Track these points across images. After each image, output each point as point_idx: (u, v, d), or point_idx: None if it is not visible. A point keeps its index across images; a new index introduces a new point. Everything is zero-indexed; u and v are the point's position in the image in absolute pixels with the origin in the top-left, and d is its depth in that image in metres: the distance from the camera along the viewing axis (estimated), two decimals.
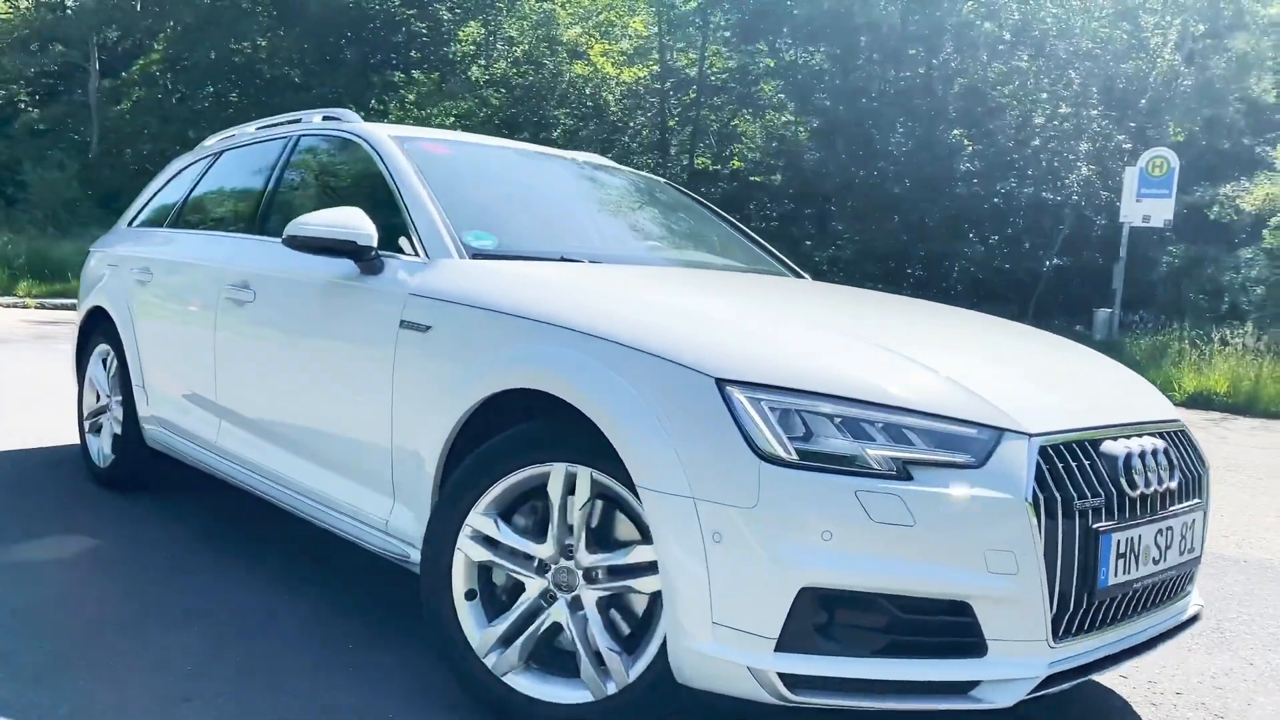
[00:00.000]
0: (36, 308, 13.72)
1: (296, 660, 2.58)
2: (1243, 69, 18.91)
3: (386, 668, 2.57)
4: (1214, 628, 3.28)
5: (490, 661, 2.21)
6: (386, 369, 2.61)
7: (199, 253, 3.78)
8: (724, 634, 1.90)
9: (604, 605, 2.16)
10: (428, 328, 2.53)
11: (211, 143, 4.46)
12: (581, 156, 4.00)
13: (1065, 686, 2.03)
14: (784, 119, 20.79)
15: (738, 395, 1.94)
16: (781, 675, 1.87)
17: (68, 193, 21.61)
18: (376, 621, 2.88)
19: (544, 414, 2.24)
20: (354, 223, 2.72)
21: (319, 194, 3.55)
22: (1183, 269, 16.84)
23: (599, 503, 2.18)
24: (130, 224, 4.69)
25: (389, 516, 2.62)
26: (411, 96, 22.64)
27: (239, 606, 2.95)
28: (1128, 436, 2.17)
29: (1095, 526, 1.99)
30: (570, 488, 2.17)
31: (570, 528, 2.18)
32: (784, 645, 1.87)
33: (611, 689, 2.10)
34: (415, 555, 2.49)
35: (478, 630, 2.25)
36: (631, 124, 22.50)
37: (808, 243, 18.17)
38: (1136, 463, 2.12)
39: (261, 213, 3.58)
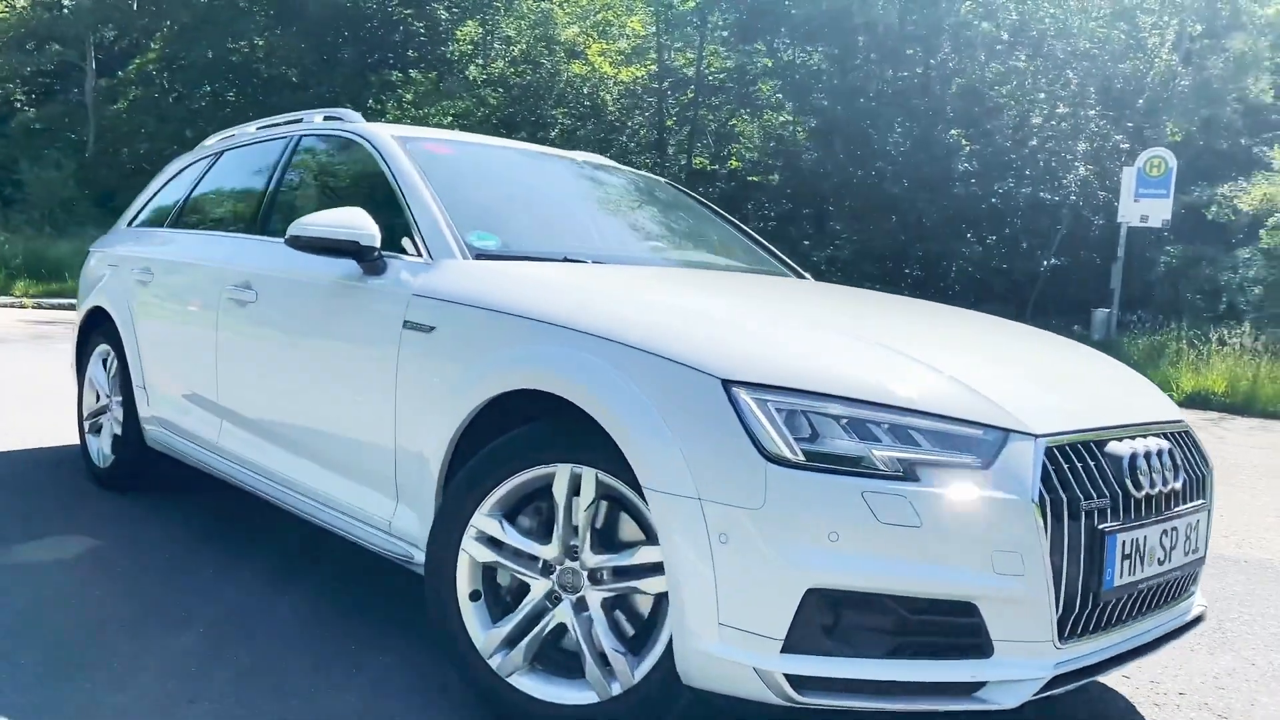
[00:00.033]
0: (34, 307, 13.70)
1: (298, 661, 2.58)
2: (1240, 69, 18.92)
3: (388, 668, 2.57)
4: (1215, 628, 3.28)
5: (495, 663, 2.21)
6: (390, 369, 2.60)
7: (200, 253, 3.77)
8: (730, 635, 1.89)
9: (609, 606, 2.16)
10: (431, 328, 2.52)
11: (212, 143, 4.45)
12: (582, 156, 4.00)
13: (1071, 687, 2.03)
14: (782, 119, 20.79)
15: (744, 396, 1.93)
16: (788, 676, 1.86)
17: (64, 192, 21.59)
18: (378, 622, 2.87)
19: (548, 415, 2.24)
20: (357, 223, 2.71)
21: (321, 194, 3.54)
22: (1180, 269, 16.87)
23: (603, 504, 2.17)
24: (130, 224, 4.68)
25: (392, 517, 2.62)
26: (409, 96, 22.62)
27: (240, 606, 2.94)
28: (1133, 437, 2.17)
29: (1101, 527, 1.99)
30: (575, 489, 2.16)
31: (575, 529, 2.18)
32: (790, 646, 1.86)
33: (616, 690, 2.10)
34: (418, 556, 2.49)
35: (482, 631, 2.24)
36: (629, 124, 22.49)
37: (805, 242, 18.17)
38: (1142, 463, 2.12)
39: (263, 213, 3.58)
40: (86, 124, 24.68)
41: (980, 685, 1.91)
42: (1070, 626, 1.97)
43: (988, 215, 18.14)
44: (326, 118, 3.66)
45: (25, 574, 3.14)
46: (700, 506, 1.91)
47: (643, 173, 4.29)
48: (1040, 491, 1.91)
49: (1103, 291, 15.40)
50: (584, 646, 2.14)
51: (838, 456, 1.89)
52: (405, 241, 2.79)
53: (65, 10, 25.29)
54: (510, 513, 2.26)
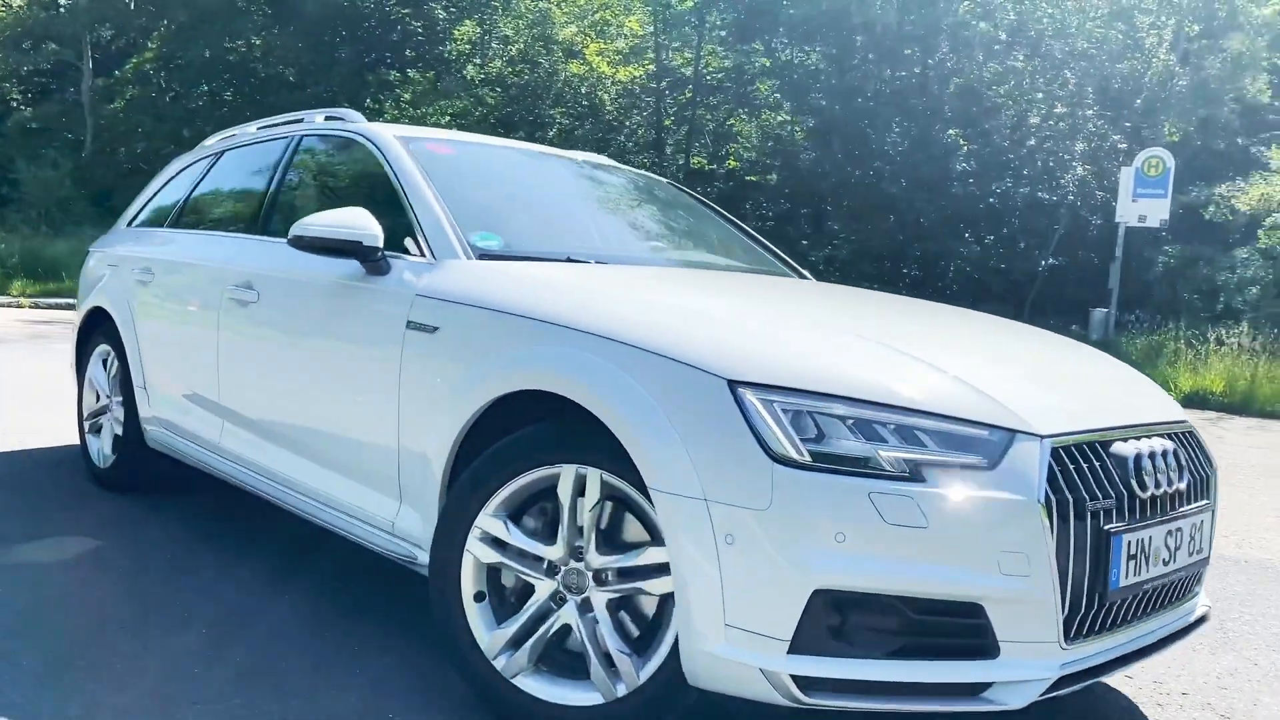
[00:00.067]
0: (31, 307, 13.68)
1: (298, 661, 2.58)
2: (1237, 69, 18.96)
3: (389, 668, 2.56)
4: (1217, 628, 3.28)
5: (500, 664, 2.21)
6: (393, 370, 2.60)
7: (201, 253, 3.77)
8: (736, 636, 1.89)
9: (614, 607, 2.15)
10: (435, 329, 2.52)
11: (212, 143, 4.45)
12: (582, 156, 3.99)
13: (1077, 688, 2.03)
14: (780, 119, 20.80)
15: (750, 397, 1.93)
16: (794, 677, 1.86)
17: (61, 191, 21.57)
18: (378, 622, 2.87)
19: (552, 416, 2.24)
20: (360, 223, 2.71)
21: (322, 194, 3.54)
22: (1178, 269, 16.89)
23: (608, 504, 2.17)
24: (130, 224, 4.67)
25: (395, 518, 2.61)
26: (407, 95, 22.61)
27: (240, 606, 2.94)
28: (1137, 438, 2.17)
29: (1107, 528, 1.99)
30: (580, 489, 2.16)
31: (580, 529, 2.17)
32: (797, 647, 1.86)
33: (622, 691, 2.10)
34: (422, 556, 2.49)
35: (487, 632, 2.24)
36: (627, 123, 22.49)
37: (803, 242, 18.17)
38: (1147, 464, 2.12)
39: (264, 213, 3.57)
40: (83, 123, 24.64)
41: (986, 686, 1.91)
42: (1076, 627, 1.97)
43: (986, 215, 18.15)
44: (328, 118, 3.65)
45: (26, 574, 3.13)
46: (706, 507, 1.91)
47: (644, 172, 4.28)
48: (1046, 492, 1.91)
49: (1101, 291, 15.42)
50: (589, 647, 2.14)
51: (844, 457, 1.89)
52: (408, 242, 2.78)
53: (62, 9, 25.25)
54: (515, 513, 2.26)
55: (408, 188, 2.91)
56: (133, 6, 25.15)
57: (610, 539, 2.18)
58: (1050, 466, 1.94)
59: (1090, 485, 1.99)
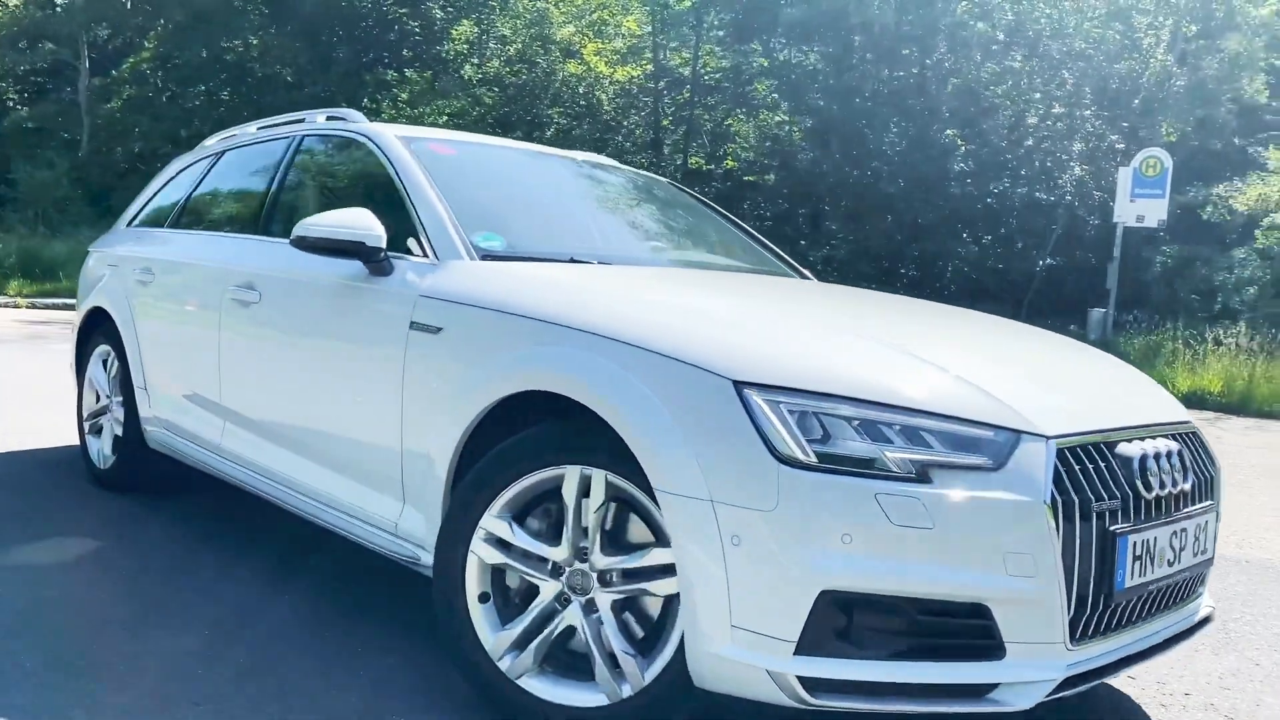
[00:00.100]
0: (28, 307, 13.66)
1: (300, 662, 2.57)
2: (1235, 69, 18.99)
3: (391, 669, 2.56)
4: (1219, 628, 3.28)
5: (504, 665, 2.20)
6: (396, 370, 2.60)
7: (202, 253, 3.76)
8: (743, 637, 1.89)
9: (618, 608, 2.15)
10: (439, 329, 2.51)
11: (212, 143, 4.44)
12: (583, 156, 3.99)
13: (1082, 689, 2.03)
14: (777, 119, 20.80)
15: (756, 398, 1.93)
16: (800, 678, 1.86)
17: (58, 191, 21.53)
18: (380, 622, 2.86)
19: (557, 417, 2.23)
20: (363, 224, 2.70)
21: (324, 194, 3.53)
22: (1176, 269, 16.92)
23: (613, 505, 2.17)
24: (130, 224, 4.66)
25: (398, 519, 2.61)
26: (404, 95, 22.59)
27: (241, 607, 2.94)
28: (1142, 438, 2.17)
29: (1112, 529, 1.99)
30: (585, 490, 2.16)
31: (584, 530, 2.17)
32: (803, 648, 1.86)
33: (627, 692, 2.10)
34: (425, 558, 2.49)
35: (491, 633, 2.24)
36: (625, 123, 22.49)
37: (802, 242, 18.18)
38: (1151, 464, 2.12)
39: (265, 213, 3.56)
40: (80, 123, 24.60)
41: (992, 687, 1.91)
42: (1082, 628, 1.97)
43: (983, 215, 18.17)
44: (329, 118, 3.65)
45: (26, 574, 3.13)
46: (712, 508, 1.90)
47: (645, 173, 4.28)
48: (1052, 493, 1.91)
49: (1098, 291, 15.44)
50: (594, 648, 2.14)
51: (850, 458, 1.88)
52: (410, 242, 2.78)
53: (58, 9, 25.22)
54: (519, 514, 2.25)
55: (410, 188, 2.91)
56: (129, 6, 25.11)
57: (615, 540, 2.18)
58: (1056, 467, 1.94)
59: (1096, 486, 1.99)
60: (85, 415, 4.41)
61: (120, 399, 4.11)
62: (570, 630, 2.19)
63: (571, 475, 2.16)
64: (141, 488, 4.11)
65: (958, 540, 1.86)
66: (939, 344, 2.46)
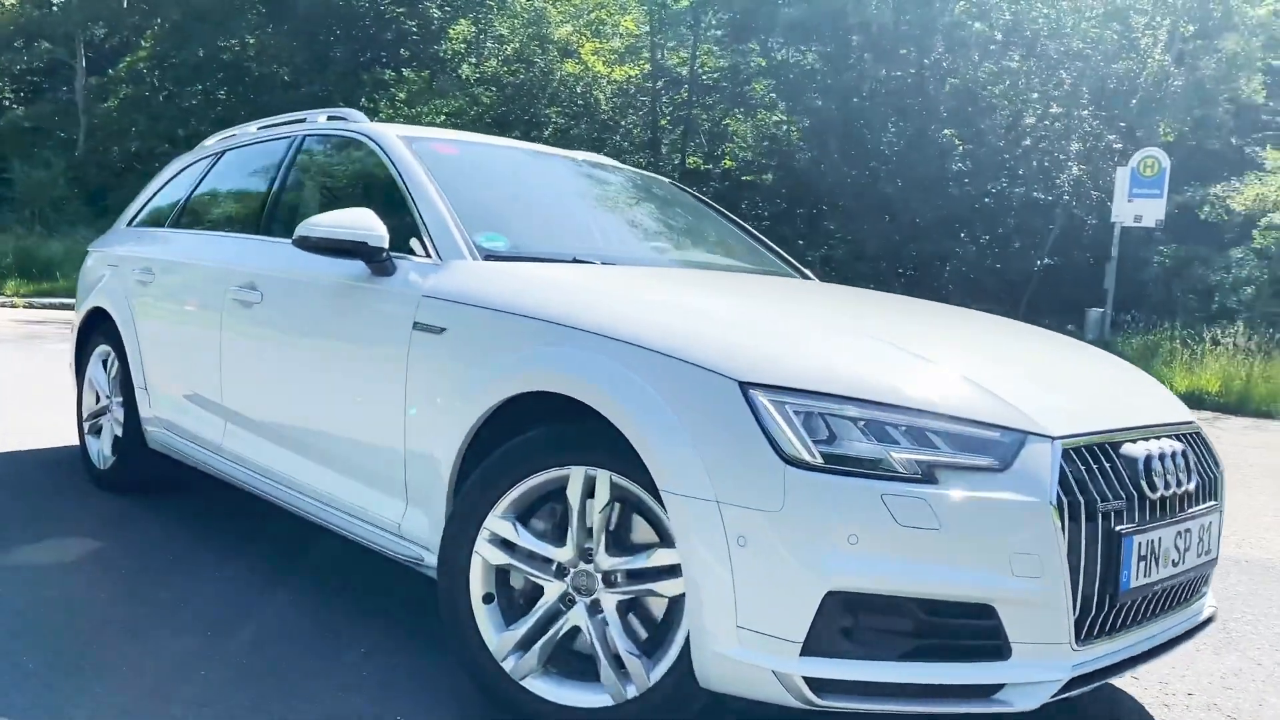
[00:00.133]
0: (25, 307, 13.63)
1: (304, 662, 2.57)
2: (1232, 69, 19.01)
3: (396, 670, 2.55)
4: (1220, 628, 3.29)
5: (509, 666, 2.20)
6: (399, 371, 2.59)
7: (203, 253, 3.75)
8: (749, 638, 1.89)
9: (623, 609, 2.15)
10: (442, 329, 2.51)
11: (212, 143, 4.43)
12: (583, 156, 3.99)
13: (1088, 689, 2.03)
14: (775, 118, 20.81)
15: (761, 398, 1.93)
16: (807, 679, 1.86)
17: (54, 191, 21.48)
18: (385, 623, 2.86)
19: (561, 417, 2.23)
20: (366, 224, 2.70)
21: (325, 194, 3.53)
22: (1173, 269, 16.95)
23: (617, 506, 2.17)
24: (129, 224, 4.65)
25: (401, 520, 2.60)
26: (402, 95, 22.57)
27: (243, 608, 2.93)
28: (1146, 438, 2.17)
29: (1118, 529, 1.99)
30: (589, 491, 2.15)
31: (589, 531, 2.17)
32: (809, 649, 1.86)
33: (632, 693, 2.09)
34: (429, 558, 2.48)
35: (495, 634, 2.23)
36: (623, 123, 22.49)
37: (799, 242, 18.18)
38: (1156, 465, 2.12)
39: (267, 213, 3.56)
40: (77, 122, 24.56)
41: (998, 687, 1.91)
42: (1087, 628, 1.97)
43: (981, 215, 18.18)
44: (330, 117, 3.64)
45: (27, 575, 3.12)
46: (718, 509, 1.90)
47: (646, 173, 4.28)
48: (1058, 494, 1.91)
49: (1096, 291, 15.45)
50: (598, 649, 2.13)
51: (856, 459, 1.88)
52: (413, 242, 2.77)
53: (55, 8, 25.15)
54: (523, 515, 2.25)
55: (412, 188, 2.90)
56: (126, 5, 25.06)
57: (619, 541, 2.17)
58: (1061, 468, 1.94)
59: (1101, 486, 2.00)
60: (85, 415, 4.40)
61: (120, 399, 4.10)
62: (575, 631, 2.19)
63: (576, 476, 2.16)
64: (141, 488, 4.10)
65: (964, 541, 1.86)
66: (943, 344, 2.47)
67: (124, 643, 2.64)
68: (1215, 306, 15.37)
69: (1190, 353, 11.88)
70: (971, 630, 1.89)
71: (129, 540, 3.52)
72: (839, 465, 1.88)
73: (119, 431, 4.08)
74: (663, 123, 22.34)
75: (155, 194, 4.58)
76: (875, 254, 18.04)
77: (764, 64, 20.86)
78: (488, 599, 2.26)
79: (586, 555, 2.17)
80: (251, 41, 24.63)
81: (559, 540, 2.20)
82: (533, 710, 2.18)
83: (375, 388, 2.68)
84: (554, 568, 2.21)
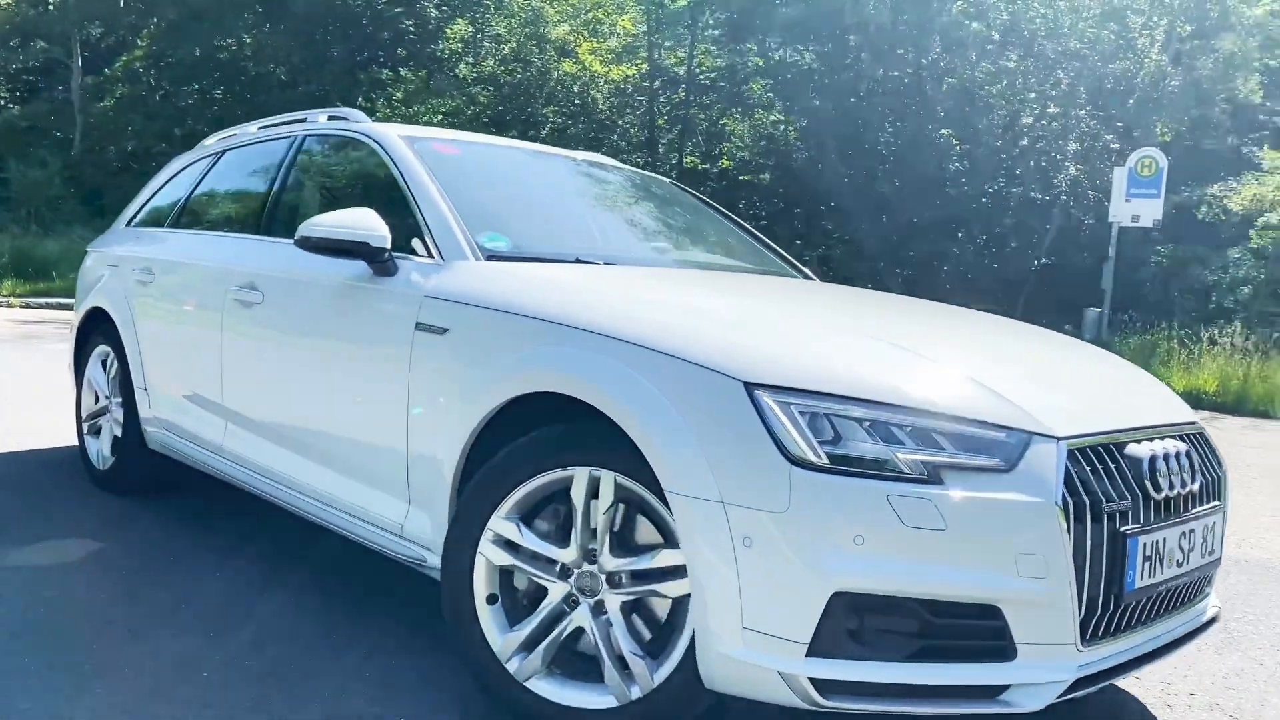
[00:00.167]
0: (21, 307, 13.59)
1: (306, 663, 2.56)
2: (1229, 69, 19.05)
3: (399, 670, 2.55)
4: (1221, 628, 3.29)
5: (513, 667, 2.20)
6: (402, 371, 2.59)
7: (203, 253, 3.74)
8: (754, 639, 1.89)
9: (627, 610, 2.15)
10: (445, 330, 2.51)
11: (211, 143, 4.42)
12: (583, 155, 3.98)
13: (1093, 690, 2.03)
14: (772, 118, 20.81)
15: (766, 399, 1.93)
16: (813, 680, 1.86)
17: (50, 190, 21.42)
18: (387, 624, 2.85)
19: (564, 418, 2.22)
20: (368, 224, 2.69)
21: (327, 194, 3.52)
22: (1171, 269, 16.98)
23: (621, 507, 2.16)
24: (129, 224, 4.64)
25: (404, 520, 2.60)
26: (399, 94, 22.55)
27: (245, 609, 2.92)
28: (1150, 439, 2.17)
29: (1122, 530, 1.99)
30: (594, 492, 2.15)
31: (593, 532, 2.17)
32: (815, 650, 1.86)
33: (636, 694, 2.09)
34: (431, 559, 2.48)
35: (499, 635, 2.23)
36: (620, 122, 22.48)
37: (797, 242, 18.19)
38: (1160, 465, 2.12)
39: (267, 213, 3.55)
40: (73, 122, 24.49)
41: (1004, 688, 1.90)
42: (1092, 629, 1.97)
43: (979, 215, 18.19)
44: (331, 117, 3.64)
45: (27, 576, 3.11)
46: (724, 510, 1.90)
47: (647, 173, 4.28)
48: (1063, 494, 1.90)
49: (1093, 291, 15.46)
50: (602, 650, 2.13)
51: (861, 459, 1.88)
52: (415, 243, 2.77)
53: (51, 7, 25.07)
54: (527, 516, 2.24)
55: (414, 189, 2.89)
56: (122, 4, 25.00)
57: (623, 541, 2.17)
58: (1066, 468, 1.94)
59: (1106, 487, 2.00)
60: (84, 416, 4.39)
61: (119, 400, 4.09)
62: (579, 632, 2.19)
63: (580, 477, 2.15)
64: (140, 488, 4.09)
65: (970, 541, 1.86)
66: (947, 344, 2.47)
67: (125, 643, 2.64)
68: (1212, 306, 15.40)
69: (1187, 352, 11.90)
70: (977, 631, 1.89)
71: (129, 540, 3.52)
72: (844, 466, 1.87)
73: (118, 432, 4.07)
74: (660, 122, 22.34)
75: (154, 194, 4.57)
76: (873, 254, 18.05)
77: (761, 64, 20.87)
78: (491, 600, 2.26)
79: (590, 556, 2.17)
80: (248, 41, 24.60)
81: (563, 541, 2.20)
82: (537, 711, 2.18)
83: (377, 388, 2.67)
84: (558, 569, 2.20)
